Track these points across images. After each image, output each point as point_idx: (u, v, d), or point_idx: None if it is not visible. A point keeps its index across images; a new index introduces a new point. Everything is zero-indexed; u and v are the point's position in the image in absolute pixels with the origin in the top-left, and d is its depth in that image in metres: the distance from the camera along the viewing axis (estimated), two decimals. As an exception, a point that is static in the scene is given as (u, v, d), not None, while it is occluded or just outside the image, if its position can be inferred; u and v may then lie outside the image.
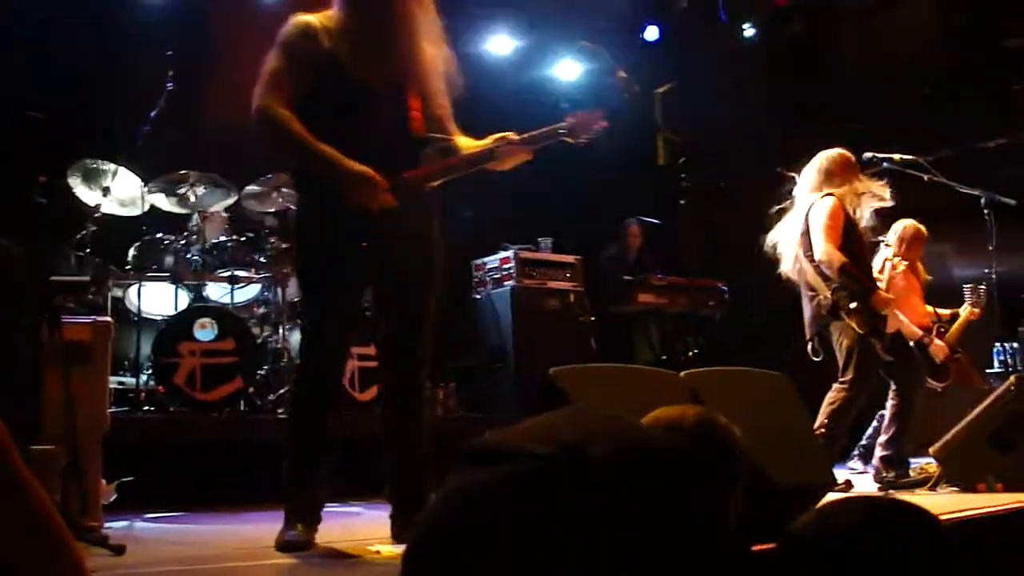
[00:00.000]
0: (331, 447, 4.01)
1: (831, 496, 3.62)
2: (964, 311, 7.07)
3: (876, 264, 6.58)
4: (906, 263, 6.74)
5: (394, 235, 3.89)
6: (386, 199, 3.81)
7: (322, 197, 3.86)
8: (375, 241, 3.87)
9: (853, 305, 5.74)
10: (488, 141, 4.04)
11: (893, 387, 6.28)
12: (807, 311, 6.04)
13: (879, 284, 6.15)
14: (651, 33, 10.35)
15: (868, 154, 6.11)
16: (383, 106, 3.92)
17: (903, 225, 6.94)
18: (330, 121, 3.82)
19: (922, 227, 7.00)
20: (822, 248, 5.80)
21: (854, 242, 5.93)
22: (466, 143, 4.11)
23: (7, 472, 1.35)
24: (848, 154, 6.11)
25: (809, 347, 6.03)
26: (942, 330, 7.04)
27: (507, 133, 4.02)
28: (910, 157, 6.27)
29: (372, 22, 3.88)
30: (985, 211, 6.70)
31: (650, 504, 1.03)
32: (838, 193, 5.95)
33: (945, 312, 7.21)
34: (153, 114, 6.92)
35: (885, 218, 6.48)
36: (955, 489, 5.69)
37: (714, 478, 1.14)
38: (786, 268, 6.08)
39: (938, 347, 6.85)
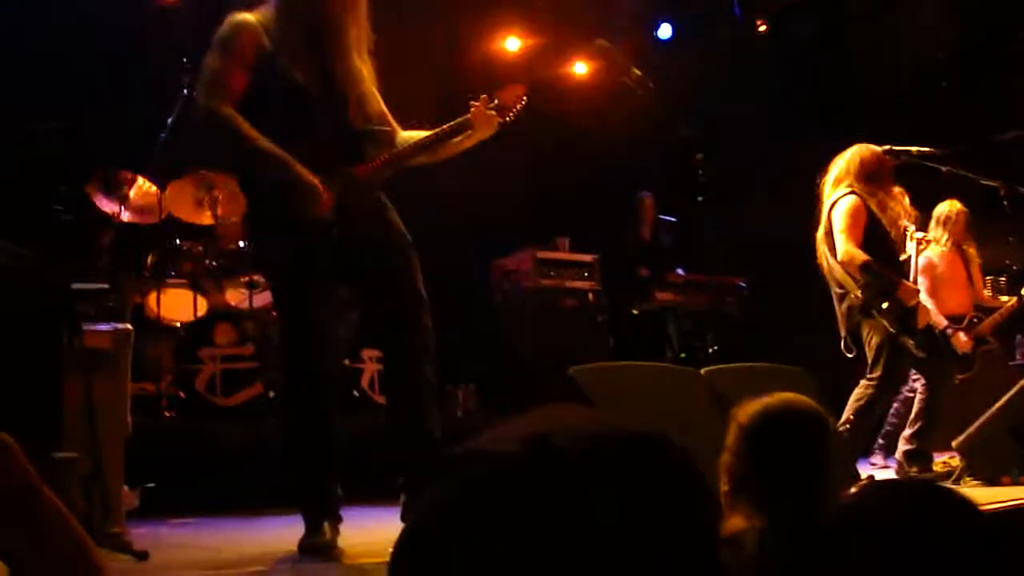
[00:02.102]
0: (339, 440, 4.03)
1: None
2: (1007, 301, 7.03)
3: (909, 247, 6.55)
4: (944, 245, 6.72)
5: (355, 232, 3.91)
6: (324, 213, 3.83)
7: (276, 196, 3.87)
8: (337, 240, 3.90)
9: (885, 305, 5.71)
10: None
11: (922, 381, 6.24)
12: (838, 309, 6.02)
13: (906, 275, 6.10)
14: (665, 31, 10.32)
15: (886, 148, 6.08)
16: (323, 102, 3.92)
17: (943, 208, 6.92)
18: (272, 119, 3.82)
19: (961, 206, 6.95)
20: (843, 248, 5.79)
21: (879, 237, 5.90)
22: (409, 135, 4.14)
23: (21, 486, 1.36)
24: (876, 151, 6.06)
25: (842, 344, 6.00)
26: (975, 320, 6.98)
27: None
28: (927, 150, 6.24)
29: (308, 17, 3.89)
30: (1004, 202, 6.66)
31: (623, 492, 1.03)
32: (860, 189, 5.92)
33: (1003, 299, 7.16)
34: (170, 121, 6.95)
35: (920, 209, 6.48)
36: (979, 483, 5.65)
37: (692, 466, 1.13)
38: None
39: (960, 340, 6.81)
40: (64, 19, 7.38)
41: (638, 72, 4.86)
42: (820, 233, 6.02)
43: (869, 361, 5.90)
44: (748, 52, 10.22)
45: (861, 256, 5.75)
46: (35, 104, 7.14)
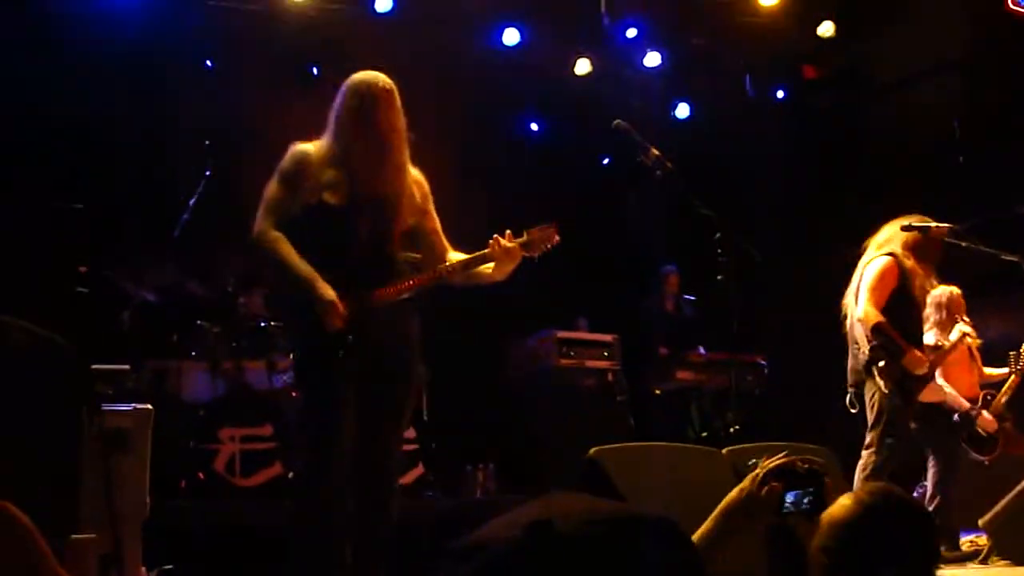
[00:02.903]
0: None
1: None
2: (1010, 378, 6.97)
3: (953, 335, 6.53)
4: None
5: (370, 344, 4.05)
6: (338, 326, 3.96)
7: (300, 315, 4.04)
8: (352, 344, 4.03)
9: (882, 363, 5.70)
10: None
11: (931, 458, 6.18)
12: (850, 364, 6.01)
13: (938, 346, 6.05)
14: (682, 111, 10.42)
15: (904, 223, 6.09)
16: (363, 226, 4.09)
17: (937, 293, 6.90)
18: (318, 244, 4.05)
19: (956, 290, 6.93)
20: (862, 307, 5.81)
21: (904, 304, 5.89)
22: (457, 257, 4.27)
23: (33, 563, 1.35)
24: (921, 225, 6.07)
25: (847, 399, 5.99)
26: (988, 398, 6.92)
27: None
28: (946, 225, 6.24)
29: (359, 148, 4.08)
30: (1025, 278, 6.63)
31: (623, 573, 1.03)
32: (900, 253, 5.93)
33: (997, 373, 7.09)
34: (192, 202, 7.02)
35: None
36: (1007, 562, 5.56)
37: (692, 548, 1.13)
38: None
39: (986, 420, 6.75)
40: (89, 100, 7.50)
41: (656, 152, 4.87)
42: (850, 292, 6.02)
43: (869, 423, 5.85)
44: (765, 129, 10.29)
45: (876, 316, 5.75)
46: (58, 184, 7.23)
